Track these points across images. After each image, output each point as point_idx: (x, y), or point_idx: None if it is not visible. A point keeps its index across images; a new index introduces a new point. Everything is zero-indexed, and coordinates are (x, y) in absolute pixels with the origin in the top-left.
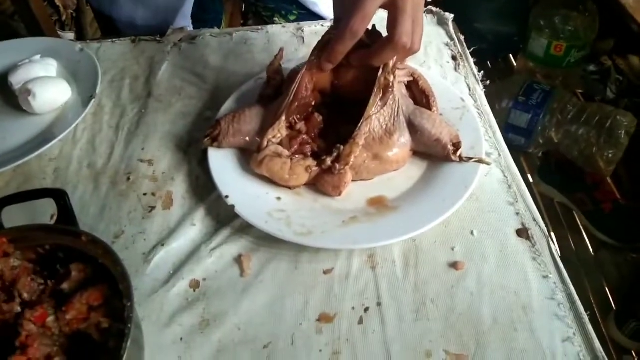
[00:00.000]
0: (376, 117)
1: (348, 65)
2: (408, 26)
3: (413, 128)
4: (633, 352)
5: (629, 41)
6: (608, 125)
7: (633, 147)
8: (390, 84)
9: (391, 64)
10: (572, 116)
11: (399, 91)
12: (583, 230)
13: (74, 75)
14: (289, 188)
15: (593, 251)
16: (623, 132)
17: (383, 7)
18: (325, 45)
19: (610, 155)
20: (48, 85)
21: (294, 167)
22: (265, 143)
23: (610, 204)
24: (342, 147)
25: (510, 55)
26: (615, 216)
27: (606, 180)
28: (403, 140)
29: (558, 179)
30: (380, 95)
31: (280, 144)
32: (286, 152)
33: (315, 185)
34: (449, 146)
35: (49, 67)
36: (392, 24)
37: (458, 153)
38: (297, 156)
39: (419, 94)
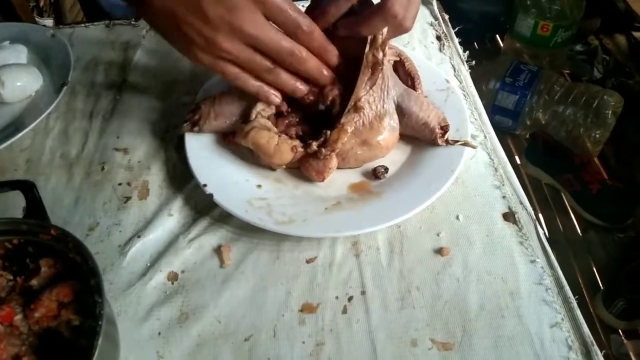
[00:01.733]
0: (365, 98)
1: (332, 35)
2: None
3: (400, 111)
4: (620, 330)
5: (615, 20)
6: (595, 105)
7: (620, 127)
8: (380, 62)
9: (380, 38)
10: (559, 97)
11: (389, 70)
12: (571, 211)
13: (46, 61)
14: (271, 169)
15: (581, 232)
16: (610, 112)
17: None
18: (314, 9)
19: (597, 136)
20: (18, 73)
21: (280, 144)
22: (254, 115)
23: (597, 184)
24: (329, 132)
25: (497, 36)
26: (603, 197)
27: (593, 160)
28: (393, 124)
29: (545, 160)
30: (369, 74)
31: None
32: (275, 128)
33: (299, 168)
34: (437, 130)
35: (18, 54)
36: None
37: (445, 137)
38: (283, 135)
39: (404, 75)
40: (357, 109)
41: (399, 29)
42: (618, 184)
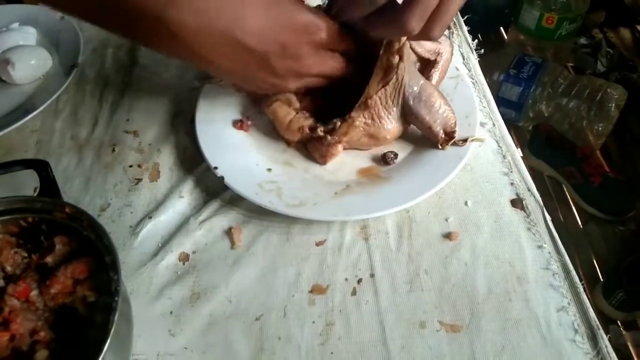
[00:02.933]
0: (376, 97)
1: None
2: (425, 6)
3: (409, 110)
4: (619, 321)
5: (620, 14)
6: (598, 98)
7: (623, 120)
8: (394, 66)
9: (397, 45)
10: (563, 89)
11: (408, 66)
12: (572, 204)
13: (55, 44)
14: (287, 143)
15: (582, 224)
16: (613, 105)
17: None
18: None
19: (600, 129)
20: (28, 55)
21: (292, 122)
22: None
23: (599, 177)
24: (338, 123)
25: (501, 28)
26: (604, 189)
27: (595, 153)
28: (400, 118)
29: (548, 152)
30: (381, 75)
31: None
32: (296, 105)
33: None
34: (440, 135)
35: (28, 36)
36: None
37: (450, 142)
38: (302, 112)
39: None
40: (367, 106)
41: (422, 37)
42: (620, 177)
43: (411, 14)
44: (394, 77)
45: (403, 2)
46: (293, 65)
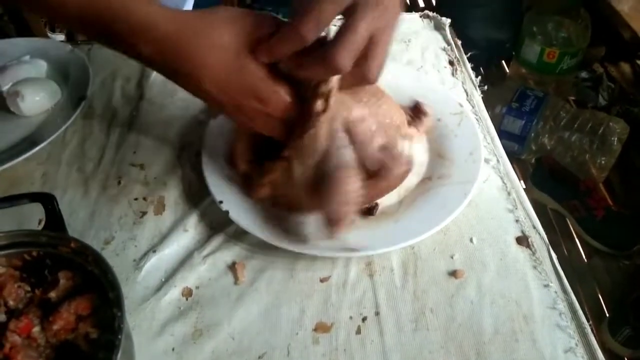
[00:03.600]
0: (291, 147)
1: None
2: (354, 43)
3: (316, 183)
4: (626, 358)
5: (620, 48)
6: (601, 132)
7: (625, 154)
8: (317, 113)
9: (325, 87)
10: (565, 123)
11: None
12: (576, 237)
13: (64, 76)
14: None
15: (586, 258)
16: (615, 138)
17: (344, 11)
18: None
19: (602, 162)
20: (37, 87)
21: (238, 149)
22: None
23: (602, 210)
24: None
25: (503, 62)
26: (608, 223)
27: (599, 186)
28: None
29: (551, 185)
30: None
31: None
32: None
33: None
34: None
35: (38, 68)
36: (338, 35)
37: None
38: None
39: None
40: (283, 159)
41: (360, 80)
42: (624, 210)
43: (340, 49)
44: (313, 129)
45: (331, 40)
46: (250, 120)
